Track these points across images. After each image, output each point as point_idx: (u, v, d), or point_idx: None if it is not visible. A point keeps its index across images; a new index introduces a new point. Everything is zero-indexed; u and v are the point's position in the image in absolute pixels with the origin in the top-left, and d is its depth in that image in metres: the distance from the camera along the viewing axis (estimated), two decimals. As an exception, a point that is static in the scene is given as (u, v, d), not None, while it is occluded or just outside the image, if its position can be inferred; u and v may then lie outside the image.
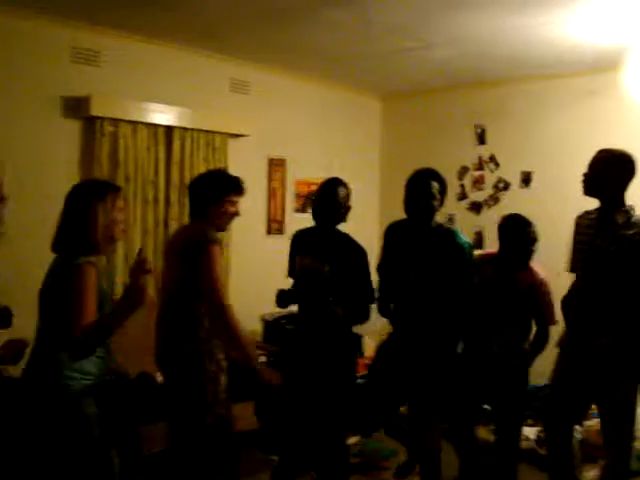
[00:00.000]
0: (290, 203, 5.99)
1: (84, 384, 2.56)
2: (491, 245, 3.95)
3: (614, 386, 3.19)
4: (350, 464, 3.82)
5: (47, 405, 2.55)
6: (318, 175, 3.70)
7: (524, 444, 4.25)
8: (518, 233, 3.60)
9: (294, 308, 3.73)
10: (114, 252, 4.53)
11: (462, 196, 6.23)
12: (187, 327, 3.09)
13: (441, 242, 3.54)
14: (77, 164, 4.56)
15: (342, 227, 3.61)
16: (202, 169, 4.82)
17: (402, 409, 3.91)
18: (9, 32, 4.24)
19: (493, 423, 3.86)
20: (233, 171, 3.56)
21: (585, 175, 3.28)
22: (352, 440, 4.65)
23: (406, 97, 6.60)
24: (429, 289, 3.51)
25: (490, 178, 6.09)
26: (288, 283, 3.72)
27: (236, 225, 3.53)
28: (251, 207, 4.87)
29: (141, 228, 4.79)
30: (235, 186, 3.26)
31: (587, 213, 3.37)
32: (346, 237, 3.56)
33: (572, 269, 3.45)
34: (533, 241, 3.62)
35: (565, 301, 3.51)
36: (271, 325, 5.18)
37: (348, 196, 3.56)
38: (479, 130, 6.14)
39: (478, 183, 6.17)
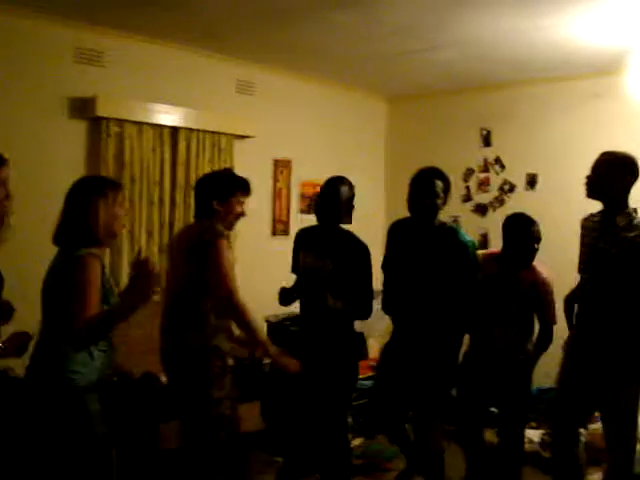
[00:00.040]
0: (295, 204, 5.99)
1: (88, 379, 2.57)
2: (496, 247, 3.95)
3: (616, 390, 3.19)
4: (353, 465, 3.82)
5: (50, 399, 2.56)
6: (323, 176, 3.70)
7: (528, 447, 4.24)
8: (522, 232, 3.62)
9: (298, 309, 3.75)
10: (117, 250, 4.56)
11: (467, 198, 6.23)
12: (193, 323, 3.10)
13: (444, 240, 3.55)
14: (83, 165, 4.58)
15: (348, 227, 3.62)
16: (207, 170, 4.81)
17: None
18: (13, 32, 4.25)
19: (497, 425, 3.86)
20: (239, 172, 3.57)
21: (588, 178, 3.28)
22: (355, 442, 4.66)
23: (412, 99, 6.60)
24: (432, 287, 3.52)
25: (495, 180, 6.09)
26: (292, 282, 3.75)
27: (241, 226, 3.54)
28: (256, 208, 4.87)
29: (146, 229, 4.79)
30: (242, 186, 3.27)
31: (592, 215, 3.37)
32: (349, 234, 3.57)
33: (579, 271, 3.46)
34: (536, 240, 3.63)
35: (567, 301, 3.53)
36: (275, 326, 5.18)
37: (351, 195, 3.57)
38: (484, 132, 6.14)
39: (483, 185, 6.17)
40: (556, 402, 3.49)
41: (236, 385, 3.25)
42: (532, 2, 3.88)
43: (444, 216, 3.73)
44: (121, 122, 4.63)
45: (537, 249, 3.64)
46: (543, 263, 3.73)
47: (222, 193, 3.19)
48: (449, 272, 3.50)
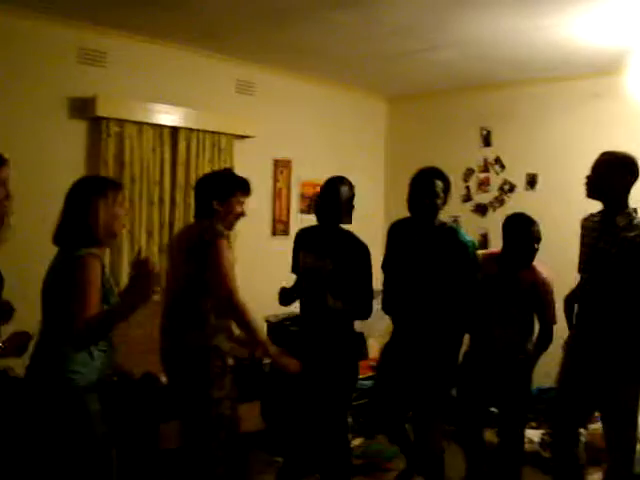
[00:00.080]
0: (295, 204, 5.99)
1: (88, 379, 2.58)
2: (496, 247, 3.96)
3: (616, 390, 3.19)
4: (353, 465, 3.82)
5: (50, 399, 2.56)
6: (323, 176, 3.70)
7: (528, 447, 4.24)
8: (522, 232, 3.62)
9: (298, 310, 3.75)
10: (118, 250, 4.56)
11: (467, 198, 6.23)
12: (193, 323, 3.10)
13: (444, 240, 3.55)
14: (83, 164, 4.58)
15: (348, 227, 3.62)
16: (207, 170, 4.81)
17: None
18: (14, 33, 4.26)
19: (497, 425, 3.86)
20: (239, 172, 3.57)
21: (588, 178, 3.28)
22: (355, 442, 4.66)
23: (412, 99, 6.60)
24: (432, 287, 3.52)
25: (495, 180, 6.09)
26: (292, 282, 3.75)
27: (241, 226, 3.54)
28: (256, 208, 4.87)
29: (146, 229, 4.79)
30: (242, 186, 3.27)
31: (592, 216, 3.38)
32: (349, 234, 3.58)
33: (579, 271, 3.46)
34: (536, 240, 3.63)
35: (567, 301, 3.53)
36: (275, 327, 5.18)
37: (351, 195, 3.57)
38: (485, 132, 6.14)
39: (483, 185, 6.17)
40: (556, 402, 3.49)
41: (236, 385, 3.25)
42: (532, 2, 3.88)
43: (444, 216, 3.72)
44: (121, 122, 4.63)
45: (537, 249, 3.65)
46: (543, 263, 3.74)
47: (222, 193, 3.19)
48: (449, 272, 3.50)
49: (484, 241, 5.89)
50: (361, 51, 5.06)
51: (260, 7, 4.10)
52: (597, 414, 3.46)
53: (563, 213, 5.08)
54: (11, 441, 3.09)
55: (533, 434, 4.58)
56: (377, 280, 3.63)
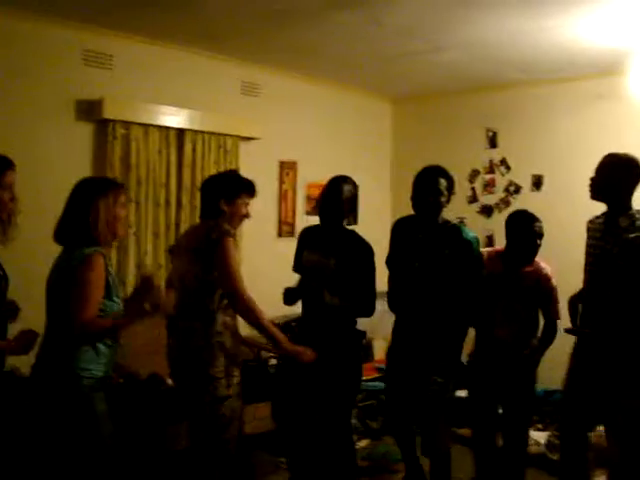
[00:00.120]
0: (301, 206, 5.99)
1: (95, 376, 2.61)
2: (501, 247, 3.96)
3: (619, 406, 3.14)
4: (358, 467, 3.82)
5: (57, 398, 2.59)
6: (329, 178, 3.71)
7: (534, 449, 4.24)
8: (524, 228, 3.63)
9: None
10: (124, 251, 4.58)
11: (473, 199, 6.23)
12: (200, 322, 3.10)
13: (448, 238, 3.55)
14: (89, 167, 4.59)
15: (354, 228, 3.62)
16: (213, 172, 4.80)
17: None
18: (20, 35, 4.27)
19: (502, 425, 3.85)
20: (244, 174, 3.57)
21: (592, 179, 3.29)
22: (361, 443, 4.65)
23: (417, 100, 6.60)
24: (436, 285, 3.52)
25: (501, 181, 6.08)
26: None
27: (247, 227, 3.56)
28: (262, 210, 4.89)
29: (152, 230, 4.80)
30: (248, 187, 3.28)
31: (596, 217, 3.39)
32: (352, 234, 3.58)
33: (584, 272, 3.46)
34: (539, 235, 3.64)
35: (571, 302, 3.52)
36: (282, 328, 5.17)
37: (354, 195, 3.58)
38: (490, 133, 6.13)
39: (489, 186, 6.16)
40: (563, 405, 3.48)
41: (242, 386, 3.25)
42: (536, 3, 3.88)
43: (449, 215, 3.72)
44: (127, 124, 4.64)
45: (539, 245, 3.66)
46: (545, 260, 3.74)
47: (228, 194, 3.20)
48: (453, 269, 3.50)
49: (490, 242, 5.86)
50: (366, 52, 5.06)
51: (264, 9, 4.10)
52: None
53: (569, 214, 5.07)
54: (18, 441, 3.11)
55: (539, 436, 4.57)
56: (382, 281, 3.63)
